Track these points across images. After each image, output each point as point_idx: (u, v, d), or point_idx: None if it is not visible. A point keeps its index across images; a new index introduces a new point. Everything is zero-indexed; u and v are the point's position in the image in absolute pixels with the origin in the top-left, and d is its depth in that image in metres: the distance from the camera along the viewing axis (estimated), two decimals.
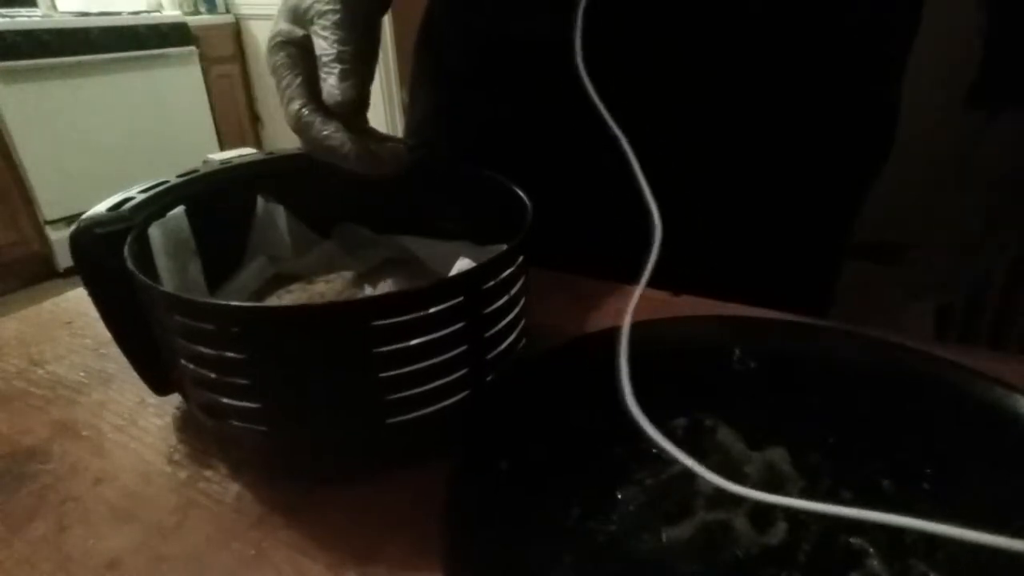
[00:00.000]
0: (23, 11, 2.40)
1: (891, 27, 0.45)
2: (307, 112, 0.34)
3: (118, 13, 2.50)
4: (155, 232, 0.32)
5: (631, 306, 0.28)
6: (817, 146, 0.46)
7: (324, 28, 0.33)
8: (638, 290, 0.29)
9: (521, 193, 0.35)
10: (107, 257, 0.28)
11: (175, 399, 0.34)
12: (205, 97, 2.71)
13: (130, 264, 0.27)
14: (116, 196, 0.32)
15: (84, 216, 0.30)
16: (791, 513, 0.25)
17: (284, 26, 0.36)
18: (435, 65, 0.56)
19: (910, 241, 0.53)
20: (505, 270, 0.29)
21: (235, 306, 0.26)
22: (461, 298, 0.26)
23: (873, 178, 0.49)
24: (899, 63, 0.46)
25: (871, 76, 0.46)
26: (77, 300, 0.47)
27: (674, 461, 0.27)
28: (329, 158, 0.34)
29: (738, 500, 0.25)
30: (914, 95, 0.47)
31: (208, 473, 0.30)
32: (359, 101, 0.34)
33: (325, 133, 0.34)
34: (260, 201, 0.40)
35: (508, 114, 0.50)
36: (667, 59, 0.44)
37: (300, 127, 0.35)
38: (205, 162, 0.39)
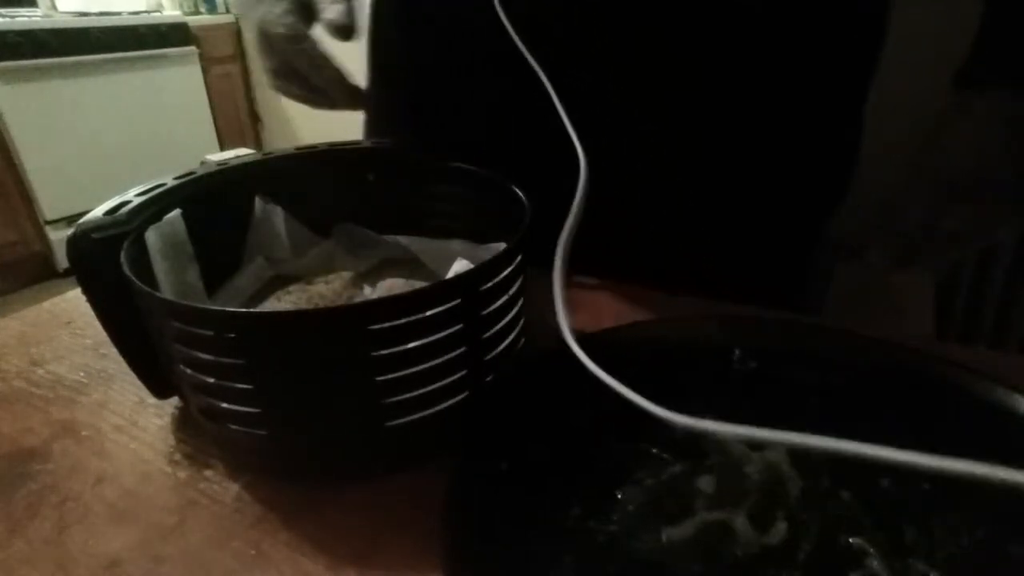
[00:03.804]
0: (23, 11, 2.39)
1: (858, 25, 0.45)
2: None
3: (118, 13, 2.50)
4: (152, 236, 0.32)
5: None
6: (793, 144, 0.46)
7: None
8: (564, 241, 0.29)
9: (519, 192, 0.35)
10: (104, 262, 0.28)
11: (175, 399, 0.34)
12: (205, 97, 2.70)
13: (126, 269, 0.27)
14: (113, 200, 0.32)
15: (80, 221, 0.30)
16: (791, 513, 0.25)
17: None
18: (399, 59, 0.55)
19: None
20: (503, 271, 0.29)
21: (232, 312, 0.26)
22: (459, 300, 0.26)
23: (847, 176, 0.49)
24: (868, 63, 0.46)
25: (841, 75, 0.45)
26: (77, 300, 0.47)
27: (674, 461, 0.28)
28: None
29: (738, 500, 0.25)
30: (891, 88, 0.46)
31: (208, 473, 0.30)
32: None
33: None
34: (258, 202, 0.40)
35: (491, 108, 0.50)
36: (654, 52, 0.44)
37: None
38: (203, 163, 0.39)
